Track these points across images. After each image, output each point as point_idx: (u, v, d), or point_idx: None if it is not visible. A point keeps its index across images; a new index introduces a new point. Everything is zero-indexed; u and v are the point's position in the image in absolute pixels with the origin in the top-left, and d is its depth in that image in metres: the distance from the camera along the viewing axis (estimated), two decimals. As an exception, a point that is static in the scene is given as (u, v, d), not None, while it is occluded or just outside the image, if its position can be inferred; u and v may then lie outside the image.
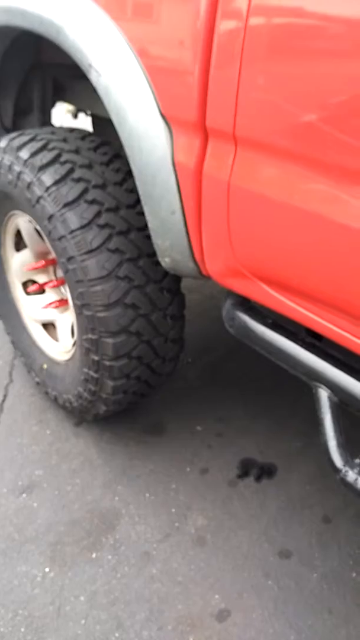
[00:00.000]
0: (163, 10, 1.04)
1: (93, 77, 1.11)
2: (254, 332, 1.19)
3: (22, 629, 1.28)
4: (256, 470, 1.63)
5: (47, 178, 1.32)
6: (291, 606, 1.30)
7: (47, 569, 1.40)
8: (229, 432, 1.76)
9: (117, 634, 1.25)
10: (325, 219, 0.87)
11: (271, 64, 0.89)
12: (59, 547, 1.44)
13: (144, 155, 1.10)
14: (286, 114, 0.88)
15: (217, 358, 2.04)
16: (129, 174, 1.37)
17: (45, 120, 1.85)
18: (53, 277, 1.75)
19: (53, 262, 1.68)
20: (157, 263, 1.36)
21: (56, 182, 1.32)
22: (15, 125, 1.81)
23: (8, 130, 1.81)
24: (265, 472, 1.63)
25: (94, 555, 1.42)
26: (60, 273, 1.71)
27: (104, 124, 1.90)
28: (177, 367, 1.62)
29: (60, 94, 1.87)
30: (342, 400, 1.05)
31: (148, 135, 1.08)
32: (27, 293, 1.80)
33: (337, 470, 1.00)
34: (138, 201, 1.33)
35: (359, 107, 0.79)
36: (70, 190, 1.31)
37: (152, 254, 1.35)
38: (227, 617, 1.29)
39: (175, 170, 1.08)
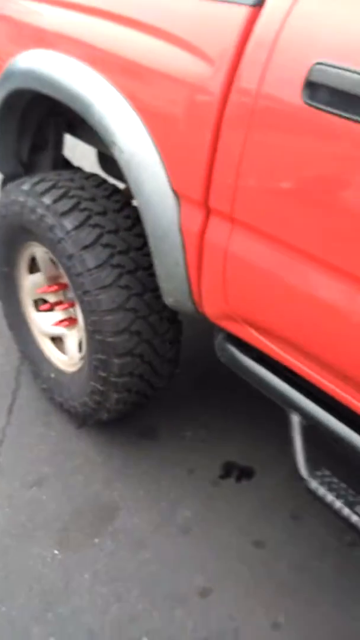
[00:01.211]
0: (177, 100, 1.27)
1: (116, 152, 1.34)
2: (240, 362, 1.45)
3: (37, 600, 1.53)
4: (236, 472, 1.90)
5: (68, 223, 1.55)
6: (262, 588, 1.58)
7: (55, 552, 1.64)
8: (213, 437, 2.01)
9: (116, 606, 1.51)
10: (303, 293, 1.12)
11: (269, 161, 1.12)
12: (65, 534, 1.69)
13: (156, 219, 1.34)
14: (276, 207, 1.12)
15: (204, 370, 2.29)
16: (137, 219, 1.59)
17: (57, 155, 2.06)
18: (62, 298, 1.97)
19: (64, 287, 1.90)
20: (159, 297, 1.59)
21: (76, 228, 1.54)
22: (30, 159, 2.02)
23: (23, 164, 2.01)
24: (245, 474, 1.90)
25: (96, 541, 1.68)
26: (69, 294, 1.93)
27: (107, 158, 2.11)
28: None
29: (71, 130, 2.08)
30: (310, 424, 1.31)
31: (160, 204, 1.31)
32: (38, 310, 2.02)
33: (302, 480, 1.27)
34: (145, 244, 1.56)
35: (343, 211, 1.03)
36: (88, 235, 1.54)
37: (155, 289, 1.58)
38: (208, 594, 1.55)
39: (181, 233, 1.32)
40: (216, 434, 2.02)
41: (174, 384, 2.19)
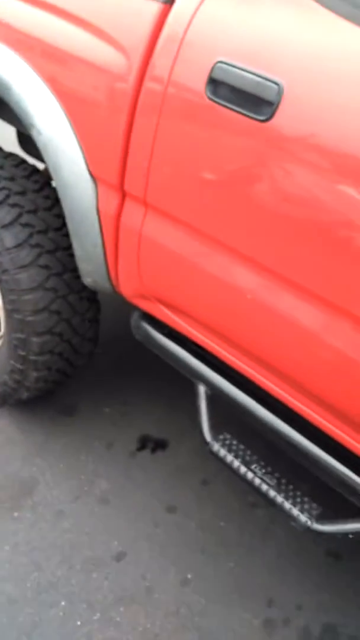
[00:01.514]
0: (94, 87, 1.33)
1: (34, 134, 1.38)
2: (154, 339, 1.55)
3: None
4: (152, 444, 2.01)
5: (-13, 203, 1.57)
6: (173, 548, 1.70)
7: (-25, 526, 1.68)
8: (131, 412, 2.11)
9: (35, 574, 1.58)
10: (208, 274, 1.23)
11: (177, 150, 1.21)
12: (-16, 509, 1.73)
13: (74, 201, 1.40)
14: (183, 193, 1.22)
15: (124, 349, 2.37)
16: (57, 200, 1.64)
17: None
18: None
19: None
20: (78, 277, 1.65)
21: (-5, 207, 1.57)
22: None
23: None
24: (159, 445, 2.01)
25: (15, 514, 1.73)
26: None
27: (27, 138, 2.12)
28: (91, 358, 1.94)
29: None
30: (214, 393, 1.43)
31: (77, 187, 1.37)
32: None
33: (206, 443, 1.39)
34: (64, 224, 1.61)
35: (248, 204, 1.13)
36: (6, 214, 1.57)
37: (74, 269, 1.64)
38: (123, 557, 1.66)
39: (98, 215, 1.39)
40: (134, 409, 2.12)
41: (95, 363, 2.26)
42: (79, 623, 1.49)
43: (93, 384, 2.18)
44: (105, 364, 2.29)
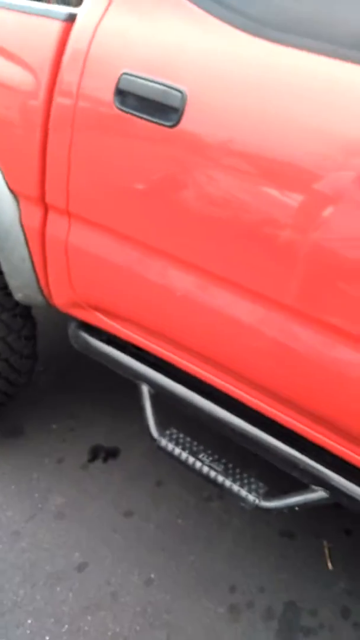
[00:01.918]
0: (7, 106, 1.36)
1: None
2: (93, 346, 1.58)
3: None
4: (103, 454, 2.02)
5: None
6: (134, 551, 1.72)
7: None
8: (79, 426, 2.12)
9: (-3, 596, 1.56)
10: (135, 275, 1.28)
11: (92, 159, 1.26)
12: None
13: (-3, 217, 1.42)
14: (103, 200, 1.27)
15: (65, 364, 2.39)
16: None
17: None
18: None
19: None
20: (9, 294, 1.66)
21: None
22: None
23: None
24: (111, 454, 2.03)
25: (-30, 542, 1.70)
26: None
27: None
28: (32, 377, 1.94)
29: None
30: (157, 392, 1.48)
31: None
32: None
33: (154, 440, 1.43)
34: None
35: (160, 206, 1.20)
36: None
37: (4, 287, 1.65)
38: (85, 567, 1.66)
39: (23, 230, 1.42)
40: (82, 422, 2.13)
41: (37, 381, 2.26)
42: (47, 638, 1.48)
43: (37, 402, 2.17)
44: (47, 381, 2.29)
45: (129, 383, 1.57)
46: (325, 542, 1.82)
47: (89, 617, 1.54)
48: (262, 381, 1.26)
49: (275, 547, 1.79)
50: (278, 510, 1.29)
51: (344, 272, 1.03)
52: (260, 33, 1.06)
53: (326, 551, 1.80)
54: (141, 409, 1.50)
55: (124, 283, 1.32)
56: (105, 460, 2.00)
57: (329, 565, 1.77)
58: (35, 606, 1.55)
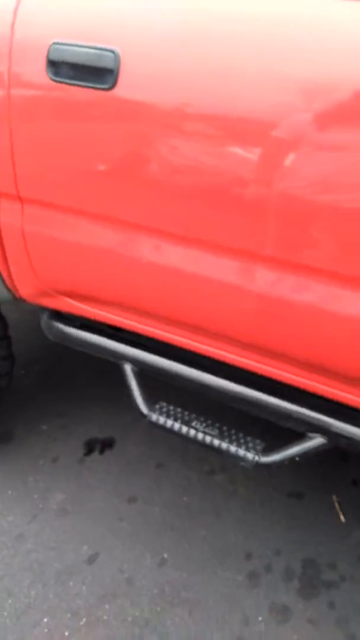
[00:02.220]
0: None
1: None
2: (69, 334, 1.54)
3: None
4: (99, 446, 1.99)
5: None
6: (143, 535, 1.69)
7: None
8: (70, 423, 2.08)
9: (10, 600, 1.52)
10: (101, 250, 1.25)
11: (38, 138, 1.22)
12: None
13: None
14: (53, 177, 1.23)
15: (47, 365, 2.34)
16: None
17: None
18: None
19: None
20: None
21: None
22: None
23: None
24: (107, 445, 1.99)
25: (-26, 553, 1.66)
26: None
27: None
28: (13, 380, 1.89)
29: None
30: (140, 369, 1.45)
31: None
32: None
33: (144, 416, 1.40)
34: None
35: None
36: None
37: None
38: (95, 558, 1.63)
39: (-23, 221, 1.37)
40: (72, 419, 2.09)
41: (20, 385, 2.21)
42: (66, 634, 1.45)
43: (24, 406, 2.13)
44: (31, 384, 2.24)
45: (115, 373, 1.53)
46: (334, 497, 1.82)
47: (106, 606, 1.51)
48: (250, 338, 1.23)
49: (284, 509, 1.78)
50: (279, 464, 1.27)
51: (317, 213, 1.01)
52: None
53: (336, 505, 1.80)
54: (128, 389, 1.46)
55: (86, 260, 1.29)
56: (101, 451, 1.97)
57: (341, 517, 1.76)
58: (49, 604, 1.52)
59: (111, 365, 1.53)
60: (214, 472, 1.88)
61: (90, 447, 1.99)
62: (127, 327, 1.41)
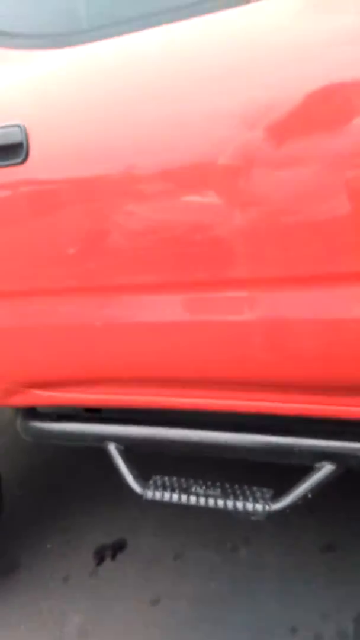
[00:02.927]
0: None
1: None
2: (46, 430, 1.46)
3: None
4: (110, 551, 1.82)
5: None
6: (175, 635, 1.50)
7: None
8: (75, 536, 1.92)
9: None
10: (50, 326, 1.22)
11: None
12: None
13: None
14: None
15: (38, 482, 2.21)
16: None
17: None
18: None
19: None
20: None
21: None
22: None
23: None
24: (118, 548, 1.83)
25: None
26: None
27: None
28: (5, 507, 1.76)
29: None
30: (125, 445, 1.36)
31: None
32: None
33: (139, 495, 1.29)
34: None
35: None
36: None
37: None
38: None
39: None
40: (76, 530, 1.94)
41: (16, 508, 2.07)
42: None
43: (25, 529, 1.97)
44: (26, 503, 2.10)
45: (110, 467, 1.42)
46: (368, 540, 1.67)
47: None
48: (261, 373, 1.12)
49: (320, 566, 1.61)
50: (292, 506, 1.16)
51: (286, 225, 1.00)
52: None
53: (374, 549, 1.64)
54: (117, 470, 1.37)
55: (42, 340, 1.25)
56: (113, 557, 1.80)
57: (383, 561, 1.60)
58: None
59: (103, 456, 1.43)
60: (237, 548, 1.72)
61: (101, 556, 1.82)
62: (102, 403, 1.34)
